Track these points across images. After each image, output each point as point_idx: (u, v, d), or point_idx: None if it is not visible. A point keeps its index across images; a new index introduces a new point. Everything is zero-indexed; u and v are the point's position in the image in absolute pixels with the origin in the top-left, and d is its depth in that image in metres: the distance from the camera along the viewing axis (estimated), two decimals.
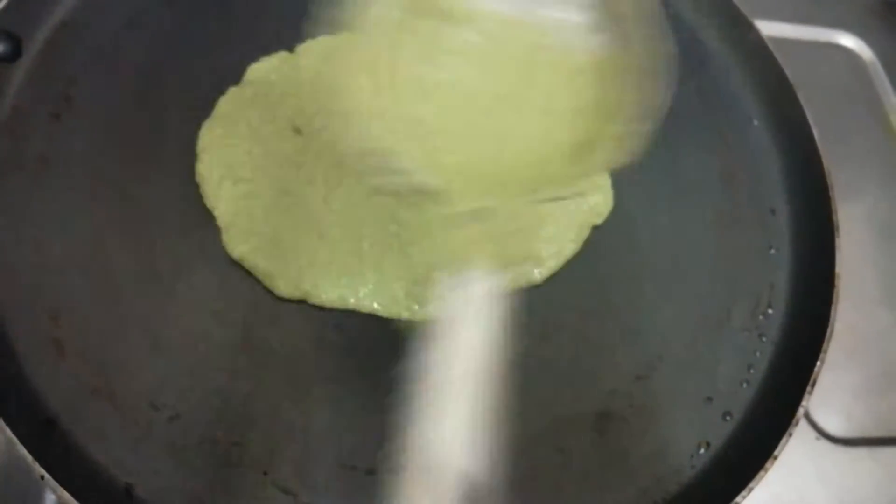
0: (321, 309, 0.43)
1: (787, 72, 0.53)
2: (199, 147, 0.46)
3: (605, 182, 0.49)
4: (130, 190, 0.45)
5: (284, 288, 0.43)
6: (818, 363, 0.43)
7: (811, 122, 0.51)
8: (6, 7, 0.45)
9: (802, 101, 0.52)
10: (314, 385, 0.41)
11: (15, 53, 0.46)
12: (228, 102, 0.47)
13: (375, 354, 0.43)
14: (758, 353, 0.46)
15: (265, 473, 0.39)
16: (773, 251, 0.50)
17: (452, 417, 0.33)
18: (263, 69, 0.49)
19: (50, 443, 0.37)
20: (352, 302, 0.43)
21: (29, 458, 0.35)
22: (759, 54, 0.54)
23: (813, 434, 0.52)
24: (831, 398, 0.53)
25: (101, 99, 0.47)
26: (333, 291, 0.43)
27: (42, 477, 0.35)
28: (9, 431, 0.35)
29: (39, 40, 0.47)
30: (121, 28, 0.49)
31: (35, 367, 0.39)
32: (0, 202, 0.43)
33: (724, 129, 0.54)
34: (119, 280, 0.42)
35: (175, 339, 0.41)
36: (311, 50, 0.50)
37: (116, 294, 0.42)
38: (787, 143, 0.53)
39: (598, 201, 0.48)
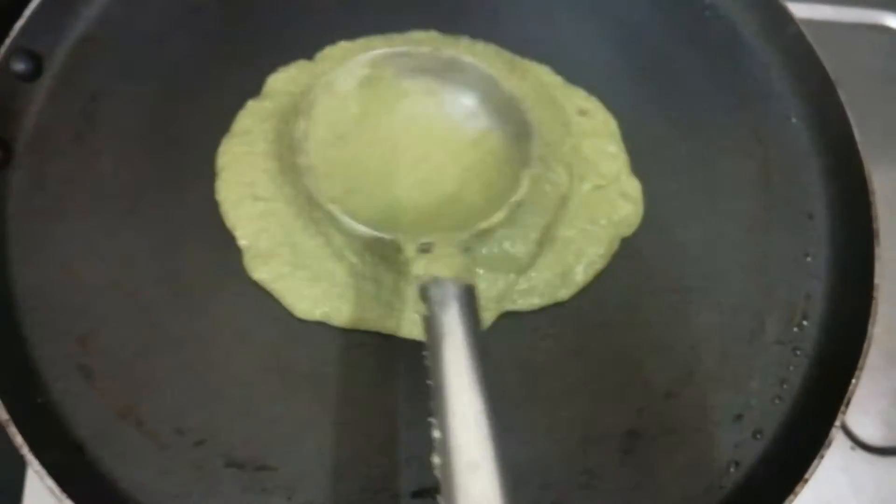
0: (345, 329, 0.43)
1: (828, 59, 0.51)
2: (219, 165, 0.45)
3: (636, 192, 0.48)
4: (155, 211, 0.44)
5: (303, 311, 0.42)
6: (853, 380, 0.42)
7: (852, 122, 0.49)
8: (26, 25, 0.45)
9: (843, 96, 0.50)
10: (341, 407, 0.41)
11: (36, 72, 0.46)
12: (247, 117, 0.47)
13: (402, 374, 0.42)
14: (791, 368, 0.45)
15: (289, 498, 0.39)
16: (809, 259, 0.48)
17: (478, 439, 0.32)
18: (282, 80, 0.48)
19: (76, 471, 0.38)
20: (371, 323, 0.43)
21: (57, 489, 0.36)
22: (799, 50, 0.52)
23: (848, 443, 0.51)
24: (867, 405, 0.52)
25: (124, 117, 0.46)
26: (352, 313, 0.43)
27: None
28: (36, 463, 0.36)
29: (60, 57, 0.47)
30: (141, 43, 0.48)
31: (62, 393, 0.40)
32: (24, 225, 0.43)
33: (760, 127, 0.52)
34: (145, 303, 0.42)
35: (201, 361, 0.41)
36: (330, 56, 0.49)
37: (143, 317, 0.42)
38: (826, 143, 0.51)
39: (628, 212, 0.47)
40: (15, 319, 0.41)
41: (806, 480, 0.39)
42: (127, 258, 0.43)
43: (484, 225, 0.41)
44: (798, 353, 0.46)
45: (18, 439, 0.36)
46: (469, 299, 0.37)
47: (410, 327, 0.43)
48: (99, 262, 0.43)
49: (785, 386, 0.44)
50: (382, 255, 0.42)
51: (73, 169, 0.45)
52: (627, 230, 0.47)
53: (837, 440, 0.41)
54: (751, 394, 0.44)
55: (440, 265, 0.38)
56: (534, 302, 0.44)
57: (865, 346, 0.43)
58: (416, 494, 0.40)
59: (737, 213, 0.49)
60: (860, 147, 0.48)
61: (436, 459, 0.32)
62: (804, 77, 0.52)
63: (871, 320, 0.44)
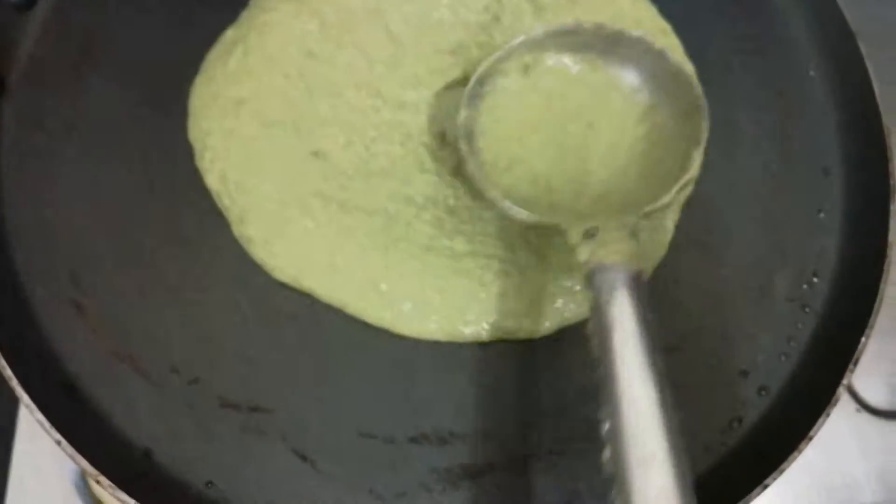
0: None
1: (848, 9, 0.49)
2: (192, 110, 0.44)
3: None
4: (156, 152, 0.43)
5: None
6: (863, 339, 0.41)
7: (872, 75, 0.47)
8: None
9: (863, 49, 0.48)
10: (337, 353, 0.41)
11: (30, 1, 0.44)
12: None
13: None
14: (800, 325, 0.44)
15: (284, 440, 0.39)
16: (822, 215, 0.47)
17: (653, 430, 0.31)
18: None
19: (68, 408, 0.37)
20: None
21: (46, 423, 0.35)
22: (821, 3, 0.50)
23: (853, 406, 0.50)
24: (874, 368, 0.51)
25: (122, 49, 0.45)
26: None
27: (59, 443, 0.35)
28: (26, 397, 0.35)
29: None
30: None
31: (55, 329, 0.39)
32: (19, 160, 0.42)
33: (778, 80, 0.50)
34: (142, 243, 0.41)
35: (197, 303, 0.41)
36: None
37: (139, 257, 0.41)
38: (844, 97, 0.49)
39: None
40: (6, 254, 0.40)
41: (811, 438, 0.39)
42: (120, 198, 0.42)
43: (656, 205, 0.40)
44: (807, 310, 0.45)
45: (8, 372, 0.36)
46: (639, 285, 0.35)
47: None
48: (91, 200, 0.42)
49: (792, 343, 0.44)
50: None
51: (68, 104, 0.44)
52: None
53: (843, 403, 0.40)
54: (757, 350, 0.43)
55: (607, 250, 0.36)
56: None
57: (877, 304, 0.42)
58: (413, 440, 0.39)
59: (750, 166, 0.47)
60: (880, 102, 0.47)
61: (606, 453, 0.30)
62: (824, 29, 0.50)
63: (883, 278, 0.42)
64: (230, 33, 0.46)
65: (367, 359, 0.41)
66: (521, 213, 0.40)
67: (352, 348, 0.41)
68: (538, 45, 0.43)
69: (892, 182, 0.45)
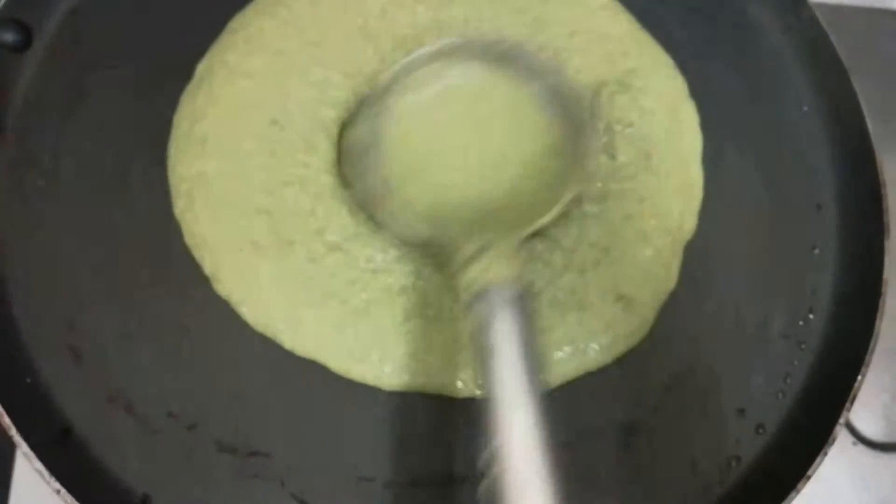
0: None
1: (840, 44, 0.50)
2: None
3: None
4: (146, 189, 0.43)
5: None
6: (859, 377, 0.41)
7: (865, 112, 0.48)
8: None
9: (857, 85, 0.48)
10: (333, 398, 0.41)
11: (25, 43, 0.44)
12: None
13: None
14: (796, 362, 0.44)
15: (282, 484, 0.38)
16: (816, 251, 0.47)
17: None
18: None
19: (66, 454, 0.37)
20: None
21: (45, 472, 0.35)
22: (813, 35, 0.50)
23: (850, 439, 0.50)
24: (870, 400, 0.51)
25: (115, 89, 0.45)
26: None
27: (58, 491, 0.35)
28: (25, 446, 0.35)
29: (50, 27, 0.45)
30: (132, 13, 0.46)
31: (52, 376, 0.39)
32: (11, 202, 0.42)
33: (771, 114, 0.50)
34: (135, 285, 0.41)
35: (193, 345, 0.40)
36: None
37: (132, 299, 0.41)
38: (838, 133, 0.49)
39: None
40: (3, 298, 0.40)
41: (808, 477, 0.39)
42: (115, 239, 0.42)
43: (536, 224, 0.40)
44: (803, 347, 0.45)
45: (6, 420, 0.35)
46: (526, 304, 0.35)
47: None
48: (87, 241, 0.42)
49: (789, 380, 0.44)
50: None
51: (62, 144, 0.43)
52: None
53: (840, 436, 0.40)
54: (753, 388, 0.43)
55: (492, 272, 0.36)
56: None
57: (872, 342, 0.42)
58: (413, 483, 0.39)
59: (744, 201, 0.48)
60: (873, 138, 0.47)
61: (485, 480, 0.31)
62: (818, 64, 0.51)
63: (879, 315, 0.43)
64: (201, 66, 0.46)
65: (362, 404, 0.40)
66: (415, 231, 0.40)
67: (347, 393, 0.40)
68: (438, 58, 0.44)
69: (885, 219, 0.45)
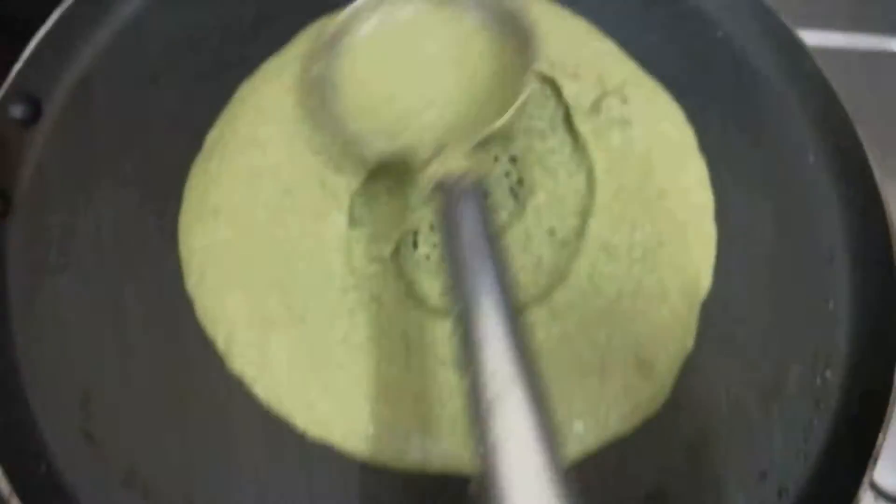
0: None
1: (842, 88, 0.50)
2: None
3: None
4: (160, 266, 0.43)
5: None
6: (881, 436, 0.41)
7: (871, 161, 0.48)
8: (22, 68, 0.44)
9: (863, 131, 0.49)
10: (360, 474, 0.40)
11: (34, 116, 0.44)
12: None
13: None
14: (815, 422, 0.44)
15: None
16: (830, 305, 0.47)
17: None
18: None
19: None
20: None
21: None
22: (816, 86, 0.51)
23: (870, 494, 0.50)
24: (891, 454, 0.50)
25: (126, 162, 0.45)
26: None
27: None
28: None
29: (59, 100, 0.45)
30: (140, 83, 0.47)
31: (65, 460, 0.38)
32: (23, 279, 0.42)
33: (777, 166, 0.50)
34: (148, 363, 0.40)
35: (208, 427, 0.40)
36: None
37: (148, 383, 0.40)
38: (845, 183, 0.49)
39: None
40: (17, 382, 0.39)
41: None
42: (128, 315, 0.41)
43: (494, 127, 0.42)
44: (821, 405, 0.44)
45: None
46: (481, 191, 0.38)
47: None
48: (99, 319, 0.41)
49: (809, 441, 0.43)
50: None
51: (73, 218, 0.43)
52: None
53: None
54: (774, 450, 0.43)
55: (452, 162, 0.39)
56: None
57: (892, 397, 0.42)
58: None
59: (755, 256, 0.47)
60: (881, 186, 0.47)
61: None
62: (821, 114, 0.51)
63: None
64: (211, 135, 0.46)
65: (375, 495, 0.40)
66: (376, 150, 0.43)
67: (369, 480, 0.40)
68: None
69: None
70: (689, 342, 0.44)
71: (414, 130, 0.44)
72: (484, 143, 0.42)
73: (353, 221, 0.44)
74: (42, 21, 0.45)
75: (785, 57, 0.53)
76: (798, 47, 0.52)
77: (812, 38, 0.53)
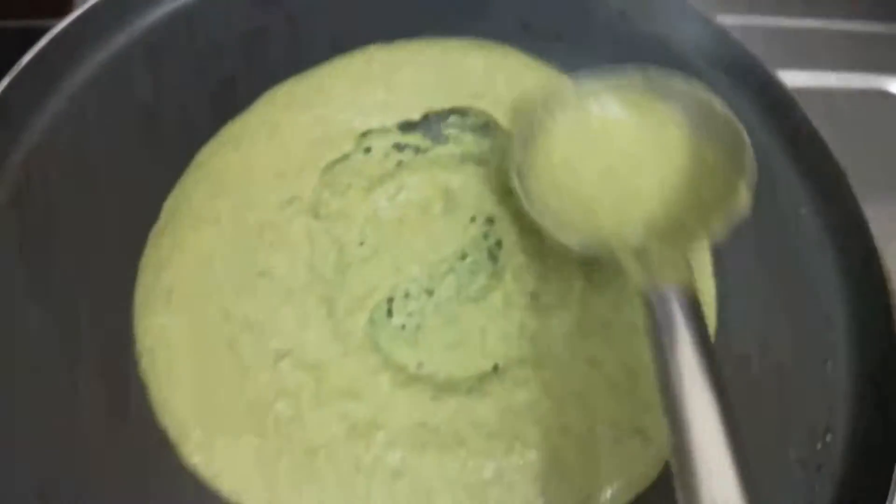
0: None
1: (830, 129, 0.48)
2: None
3: None
4: (117, 347, 0.40)
5: None
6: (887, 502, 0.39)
7: (866, 215, 0.46)
8: None
9: (855, 171, 0.47)
10: None
11: None
12: None
13: None
14: (817, 488, 0.41)
15: None
16: (829, 365, 0.45)
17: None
18: None
19: None
20: None
21: None
22: (804, 135, 0.49)
23: None
24: None
25: (82, 231, 0.42)
26: None
27: None
28: None
29: (11, 171, 0.43)
30: (97, 152, 0.44)
31: None
32: None
33: (768, 222, 0.48)
34: (109, 456, 0.37)
35: None
36: None
37: (106, 471, 0.37)
38: (839, 235, 0.48)
39: None
40: None
41: None
42: (82, 399, 0.38)
43: (708, 234, 0.41)
44: (822, 471, 0.42)
45: None
46: (696, 305, 0.35)
47: None
48: (53, 411, 0.38)
49: None
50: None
51: (26, 290, 0.40)
52: None
53: None
54: None
55: (663, 272, 0.37)
56: None
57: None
58: None
59: (748, 319, 0.45)
60: (876, 240, 0.45)
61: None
62: (811, 164, 0.49)
63: None
64: (167, 205, 0.43)
65: None
66: (573, 238, 0.41)
67: None
68: (588, 94, 0.46)
69: None
70: None
71: (608, 230, 0.42)
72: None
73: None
74: None
75: (771, 107, 0.51)
76: (784, 96, 0.50)
77: (799, 79, 0.51)
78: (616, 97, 0.46)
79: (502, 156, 0.47)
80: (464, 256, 0.44)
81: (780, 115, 0.50)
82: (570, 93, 0.46)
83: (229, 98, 0.47)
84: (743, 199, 0.41)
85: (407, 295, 0.43)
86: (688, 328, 0.34)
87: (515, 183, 0.43)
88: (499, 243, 0.45)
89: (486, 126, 0.48)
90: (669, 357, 0.33)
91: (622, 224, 0.42)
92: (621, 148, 0.45)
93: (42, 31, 0.44)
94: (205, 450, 0.37)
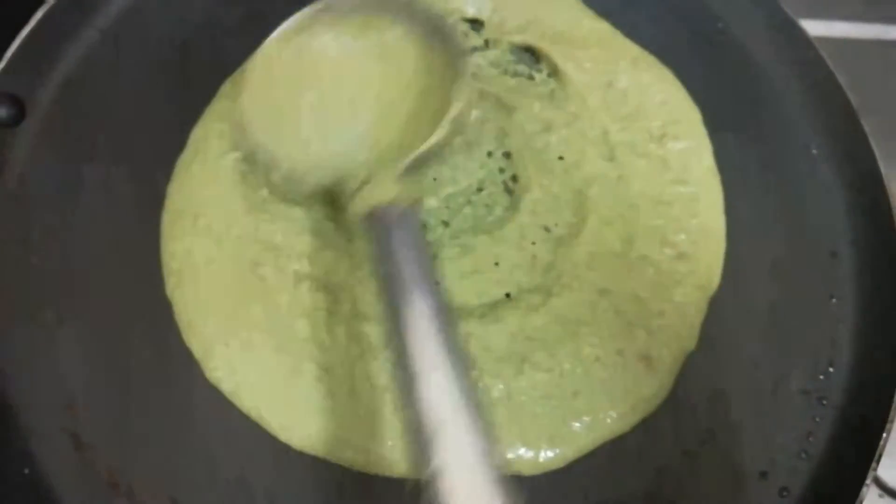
0: None
1: (846, 78, 0.49)
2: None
3: None
4: (142, 270, 0.42)
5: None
6: (884, 434, 0.40)
7: (877, 152, 0.46)
8: (6, 68, 0.43)
9: (867, 122, 0.47)
10: (339, 477, 0.39)
11: (18, 116, 0.44)
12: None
13: None
14: (817, 420, 0.43)
15: None
16: (834, 301, 0.45)
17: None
18: None
19: None
20: None
21: None
22: (818, 76, 0.49)
23: (876, 491, 0.49)
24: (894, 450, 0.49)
25: (110, 163, 0.44)
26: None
27: None
28: None
29: (43, 101, 0.45)
30: (127, 86, 0.46)
31: (51, 463, 0.38)
32: (4, 281, 0.41)
33: (778, 159, 0.49)
34: (135, 369, 0.40)
35: (193, 429, 0.39)
36: None
37: (132, 384, 0.40)
38: (849, 176, 0.48)
39: None
40: (1, 384, 0.39)
41: None
42: (111, 320, 0.41)
43: (423, 148, 0.40)
44: (824, 402, 0.43)
45: None
46: (410, 219, 0.37)
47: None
48: (82, 327, 0.40)
49: (811, 439, 0.42)
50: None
51: (56, 220, 0.43)
52: None
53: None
54: (775, 449, 0.42)
55: (378, 193, 0.38)
56: None
57: None
58: None
59: (756, 252, 0.46)
60: (886, 179, 0.46)
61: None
62: (824, 105, 0.50)
63: None
64: (195, 133, 0.45)
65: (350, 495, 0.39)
66: (308, 179, 0.41)
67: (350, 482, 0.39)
68: (303, 26, 0.44)
69: None
70: (693, 342, 0.43)
71: (345, 160, 0.41)
72: (418, 168, 0.40)
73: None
74: (24, 22, 0.44)
75: (787, 47, 0.51)
76: (799, 35, 0.51)
77: (815, 27, 0.51)
78: (330, 25, 0.44)
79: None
80: (480, 189, 0.45)
81: (795, 53, 0.50)
82: (287, 26, 0.44)
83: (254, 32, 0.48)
84: (456, 107, 0.41)
85: (424, 226, 0.44)
86: (403, 237, 0.36)
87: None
88: (514, 178, 0.46)
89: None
90: (387, 273, 0.35)
91: (349, 156, 0.41)
92: (335, 76, 0.43)
93: None
94: (227, 366, 0.39)
